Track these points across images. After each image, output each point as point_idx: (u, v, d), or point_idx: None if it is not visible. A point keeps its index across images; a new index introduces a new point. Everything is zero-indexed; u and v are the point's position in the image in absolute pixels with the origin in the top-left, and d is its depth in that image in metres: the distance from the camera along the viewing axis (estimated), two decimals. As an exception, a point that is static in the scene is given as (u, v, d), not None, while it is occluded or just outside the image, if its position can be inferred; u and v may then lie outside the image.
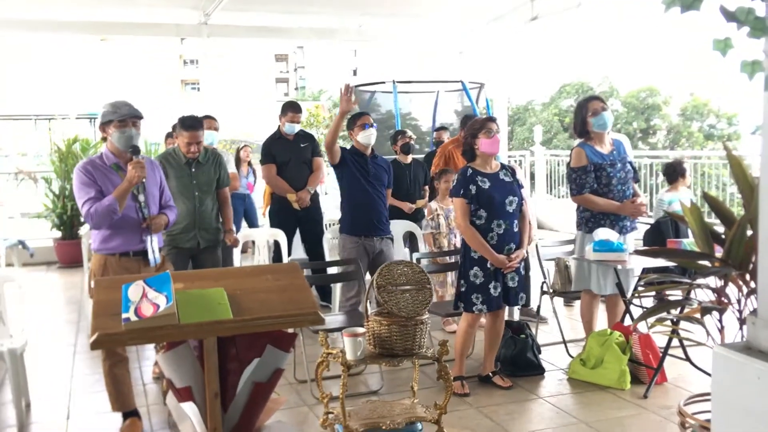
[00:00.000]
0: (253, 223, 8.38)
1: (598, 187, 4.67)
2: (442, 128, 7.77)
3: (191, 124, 4.66)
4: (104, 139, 3.74)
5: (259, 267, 3.24)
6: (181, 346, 2.41)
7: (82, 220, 9.32)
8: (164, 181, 4.00)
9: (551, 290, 5.33)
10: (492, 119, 4.34)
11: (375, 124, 5.14)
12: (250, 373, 2.48)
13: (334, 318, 4.66)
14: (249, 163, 8.81)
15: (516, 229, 4.29)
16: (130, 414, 3.81)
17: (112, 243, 3.68)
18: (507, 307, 4.64)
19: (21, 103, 28.95)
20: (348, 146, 5.25)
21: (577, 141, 4.84)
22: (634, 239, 4.96)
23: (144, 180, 3.66)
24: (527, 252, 4.56)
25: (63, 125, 10.77)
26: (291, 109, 6.19)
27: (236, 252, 5.77)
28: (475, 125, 4.32)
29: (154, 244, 3.74)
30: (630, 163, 4.78)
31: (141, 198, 3.71)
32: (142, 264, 3.71)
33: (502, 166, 4.40)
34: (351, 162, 4.98)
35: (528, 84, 31.08)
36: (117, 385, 3.74)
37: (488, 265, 4.21)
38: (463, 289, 4.28)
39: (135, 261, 3.70)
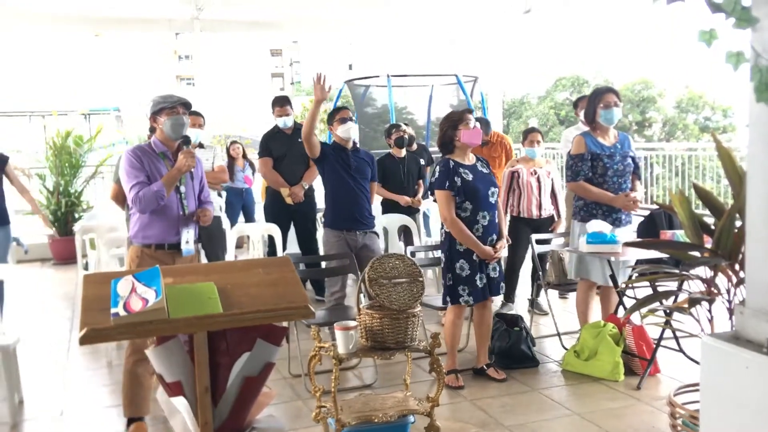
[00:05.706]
0: (250, 218, 8.37)
1: (594, 177, 4.69)
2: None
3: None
4: (152, 130, 3.78)
5: (250, 261, 3.24)
6: (172, 340, 2.40)
7: (77, 216, 9.33)
8: (204, 177, 4.00)
9: (546, 283, 5.33)
10: (469, 110, 4.37)
11: (354, 118, 5.11)
12: (240, 367, 2.47)
13: (322, 313, 4.65)
14: (244, 157, 8.78)
15: (496, 220, 4.33)
16: (138, 419, 3.63)
17: (150, 231, 3.67)
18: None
19: (15, 100, 28.86)
20: (330, 142, 5.23)
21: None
22: (632, 231, 4.97)
23: (192, 170, 3.69)
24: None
25: (58, 121, 10.70)
26: (278, 104, 6.18)
27: (230, 247, 5.76)
28: (453, 117, 4.33)
29: (189, 236, 3.72)
30: (633, 158, 4.79)
31: (183, 189, 3.72)
32: (176, 256, 3.69)
33: (477, 159, 4.41)
34: (332, 156, 4.93)
35: (524, 77, 31.06)
36: (135, 387, 3.59)
37: (474, 257, 4.23)
38: (450, 283, 4.29)
39: (170, 254, 3.68)
